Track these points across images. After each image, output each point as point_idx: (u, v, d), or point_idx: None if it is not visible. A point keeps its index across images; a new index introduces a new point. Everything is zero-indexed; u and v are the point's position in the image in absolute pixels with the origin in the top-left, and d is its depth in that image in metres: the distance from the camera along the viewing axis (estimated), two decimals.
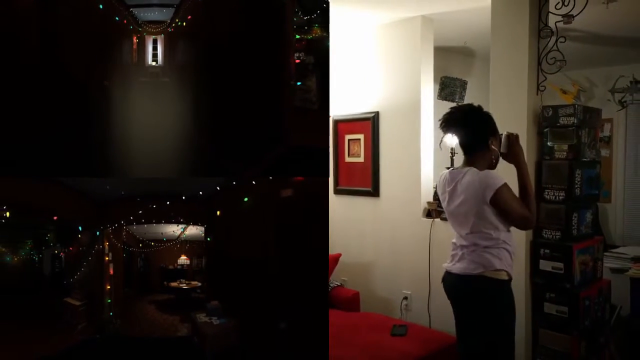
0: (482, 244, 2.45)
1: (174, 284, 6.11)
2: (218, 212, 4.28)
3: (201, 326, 3.76)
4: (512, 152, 2.59)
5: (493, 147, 2.52)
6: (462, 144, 2.58)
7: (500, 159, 2.59)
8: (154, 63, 6.78)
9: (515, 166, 2.59)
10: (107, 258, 4.80)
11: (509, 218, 2.46)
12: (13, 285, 4.78)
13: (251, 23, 3.26)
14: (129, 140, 3.56)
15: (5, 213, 3.77)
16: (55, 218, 4.27)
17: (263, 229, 3.43)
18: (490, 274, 2.44)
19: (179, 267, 6.42)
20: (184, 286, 6.03)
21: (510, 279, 2.50)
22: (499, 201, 2.40)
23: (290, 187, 3.07)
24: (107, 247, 4.78)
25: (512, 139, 2.60)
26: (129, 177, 3.62)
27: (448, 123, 2.56)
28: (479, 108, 2.56)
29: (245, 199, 3.63)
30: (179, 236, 5.20)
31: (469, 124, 2.53)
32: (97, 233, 4.62)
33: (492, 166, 2.55)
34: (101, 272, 4.77)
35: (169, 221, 4.56)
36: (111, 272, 4.88)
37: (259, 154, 3.13)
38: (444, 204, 2.65)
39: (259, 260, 3.46)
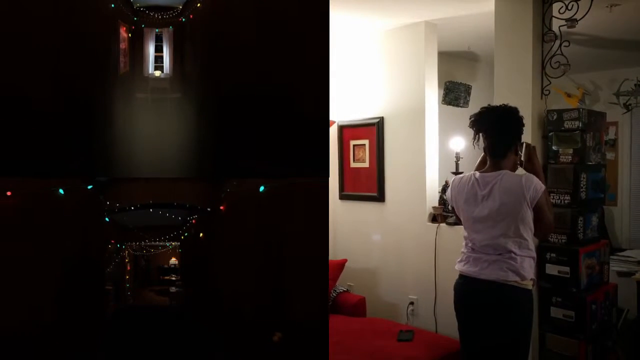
0: (516, 251, 2.42)
1: (167, 278, 9.11)
2: (182, 237, 6.98)
3: (170, 289, 7.51)
4: (533, 162, 2.60)
5: (519, 152, 2.52)
6: (495, 146, 2.49)
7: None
8: None
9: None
10: (126, 260, 7.93)
11: (541, 223, 2.46)
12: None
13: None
14: None
15: None
16: (112, 241, 6.87)
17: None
18: (522, 284, 2.43)
19: (171, 265, 9.44)
20: (174, 279, 8.83)
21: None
22: (542, 204, 2.40)
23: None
24: (126, 253, 7.85)
25: (532, 149, 2.61)
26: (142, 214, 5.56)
27: (485, 123, 2.50)
28: (516, 110, 2.51)
29: (186, 234, 6.65)
30: (169, 246, 8.13)
31: (507, 126, 2.49)
32: (123, 246, 7.64)
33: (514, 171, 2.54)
34: (123, 269, 7.84)
35: (161, 239, 7.52)
36: (128, 268, 8.09)
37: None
38: (468, 208, 2.55)
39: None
